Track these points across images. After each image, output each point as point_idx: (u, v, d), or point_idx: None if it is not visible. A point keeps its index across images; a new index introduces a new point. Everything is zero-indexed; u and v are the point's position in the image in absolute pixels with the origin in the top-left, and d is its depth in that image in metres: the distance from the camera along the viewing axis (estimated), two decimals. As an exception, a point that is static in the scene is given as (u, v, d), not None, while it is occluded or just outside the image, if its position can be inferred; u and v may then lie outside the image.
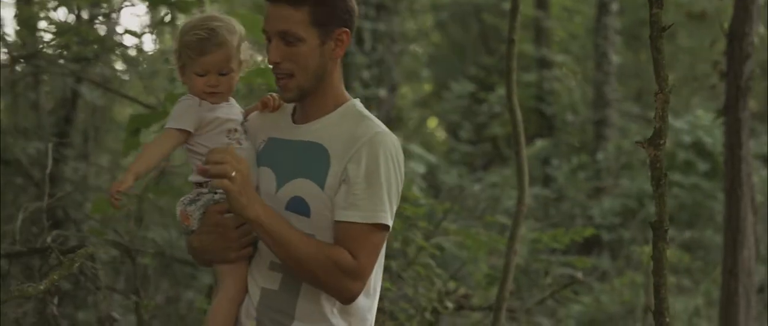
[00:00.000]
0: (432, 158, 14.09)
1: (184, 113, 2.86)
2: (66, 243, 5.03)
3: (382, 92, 13.04)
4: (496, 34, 19.72)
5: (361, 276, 2.76)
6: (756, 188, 6.18)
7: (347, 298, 2.79)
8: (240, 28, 2.91)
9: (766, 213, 9.35)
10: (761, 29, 7.69)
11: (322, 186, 2.77)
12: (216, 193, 2.85)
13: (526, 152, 4.90)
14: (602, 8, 15.76)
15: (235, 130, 2.89)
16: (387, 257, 6.05)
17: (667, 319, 2.89)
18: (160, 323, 7.02)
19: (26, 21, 7.26)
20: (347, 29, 2.83)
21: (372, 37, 12.92)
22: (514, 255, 4.80)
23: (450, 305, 6.19)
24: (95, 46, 6.53)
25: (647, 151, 2.87)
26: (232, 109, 2.93)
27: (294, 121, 2.91)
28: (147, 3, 6.80)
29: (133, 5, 7.03)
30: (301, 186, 2.79)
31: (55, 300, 4.76)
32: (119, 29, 8.09)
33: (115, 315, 5.30)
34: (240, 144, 2.88)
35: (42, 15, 7.40)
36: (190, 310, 7.19)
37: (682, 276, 10.58)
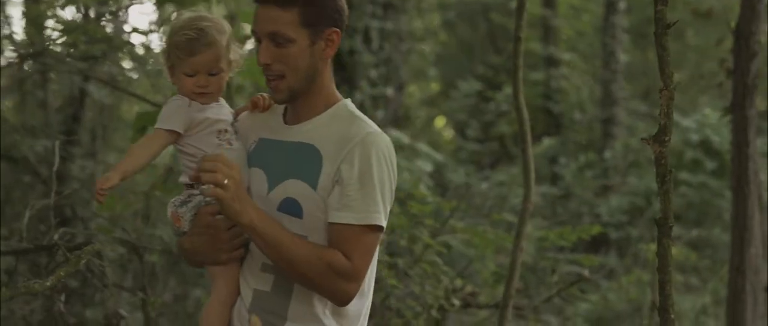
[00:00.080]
0: (439, 157, 14.08)
1: (173, 114, 2.83)
2: (73, 240, 5.02)
3: (390, 91, 13.03)
4: (503, 33, 19.73)
5: (355, 278, 2.75)
6: (763, 186, 6.17)
7: (342, 300, 2.77)
8: (229, 28, 2.89)
9: (773, 211, 9.33)
10: (768, 27, 7.67)
11: (314, 187, 2.75)
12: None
13: (533, 150, 4.90)
14: (610, 6, 15.76)
15: (226, 131, 2.87)
16: (394, 254, 6.08)
17: (672, 316, 2.89)
18: (168, 320, 7.03)
19: (34, 19, 7.28)
20: (337, 29, 2.81)
21: (379, 35, 12.90)
22: (521, 253, 4.80)
23: (457, 303, 6.19)
24: (103, 45, 6.53)
25: (652, 148, 2.86)
26: (222, 110, 2.90)
27: (285, 122, 2.89)
28: (154, 1, 6.81)
29: (140, 3, 7.05)
30: (294, 188, 2.77)
31: (62, 298, 4.77)
32: (127, 27, 8.10)
33: (123, 312, 5.30)
34: (230, 144, 2.86)
35: (49, 13, 7.41)
36: (198, 308, 7.17)
37: (690, 275, 10.58)
